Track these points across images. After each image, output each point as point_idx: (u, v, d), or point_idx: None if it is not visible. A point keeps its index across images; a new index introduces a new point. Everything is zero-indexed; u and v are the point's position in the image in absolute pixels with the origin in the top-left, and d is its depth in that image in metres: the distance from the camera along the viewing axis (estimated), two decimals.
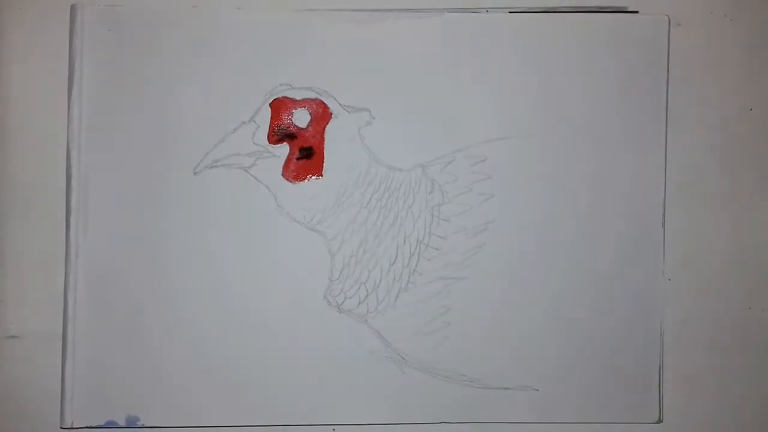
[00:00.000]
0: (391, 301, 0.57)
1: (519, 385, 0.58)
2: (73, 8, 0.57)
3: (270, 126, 0.57)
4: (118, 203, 0.57)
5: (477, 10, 0.58)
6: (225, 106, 0.57)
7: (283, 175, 0.57)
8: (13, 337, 0.57)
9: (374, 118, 0.57)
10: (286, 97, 0.57)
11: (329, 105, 0.57)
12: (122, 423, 0.57)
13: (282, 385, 0.57)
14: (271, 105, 0.57)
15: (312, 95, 0.57)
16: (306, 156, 0.57)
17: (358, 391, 0.58)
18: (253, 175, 0.57)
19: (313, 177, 0.57)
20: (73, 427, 0.57)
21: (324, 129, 0.57)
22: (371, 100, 0.57)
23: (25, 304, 0.57)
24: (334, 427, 0.58)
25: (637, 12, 0.59)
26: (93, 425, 0.57)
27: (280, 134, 0.57)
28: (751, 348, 0.60)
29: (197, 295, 0.57)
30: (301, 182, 0.57)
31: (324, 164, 0.57)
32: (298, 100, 0.57)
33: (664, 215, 0.59)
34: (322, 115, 0.57)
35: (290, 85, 0.57)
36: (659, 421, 0.59)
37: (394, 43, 0.58)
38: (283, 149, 0.57)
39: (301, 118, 0.57)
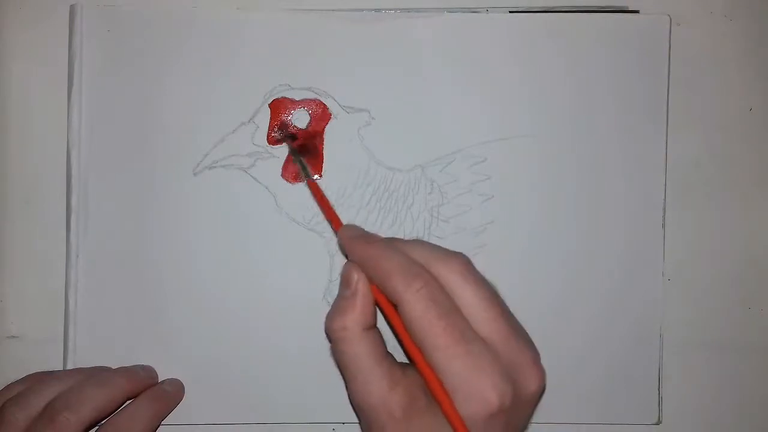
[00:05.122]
0: None
1: None
2: (72, 8, 0.57)
3: (269, 126, 0.57)
4: (118, 203, 0.57)
5: (477, 10, 0.58)
6: (224, 106, 0.57)
7: (282, 175, 0.57)
8: (13, 337, 0.58)
9: (374, 118, 0.57)
10: (285, 98, 0.57)
11: (329, 105, 0.57)
12: None
13: (281, 384, 0.57)
14: (270, 105, 0.57)
15: (311, 95, 0.57)
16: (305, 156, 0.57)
17: None
18: (253, 176, 0.57)
19: (313, 177, 0.57)
20: None
21: (323, 129, 0.57)
22: (371, 100, 0.57)
23: (25, 304, 0.58)
24: (333, 426, 0.58)
25: (637, 12, 0.58)
26: None
27: (279, 135, 0.57)
28: (751, 348, 0.60)
29: (196, 295, 0.57)
30: (300, 183, 0.57)
31: (323, 165, 0.57)
32: (298, 101, 0.57)
33: (664, 215, 0.58)
34: (321, 115, 0.57)
35: (289, 86, 0.57)
36: (658, 421, 0.58)
37: (394, 43, 0.57)
38: (283, 150, 0.57)
39: (300, 119, 0.57)
